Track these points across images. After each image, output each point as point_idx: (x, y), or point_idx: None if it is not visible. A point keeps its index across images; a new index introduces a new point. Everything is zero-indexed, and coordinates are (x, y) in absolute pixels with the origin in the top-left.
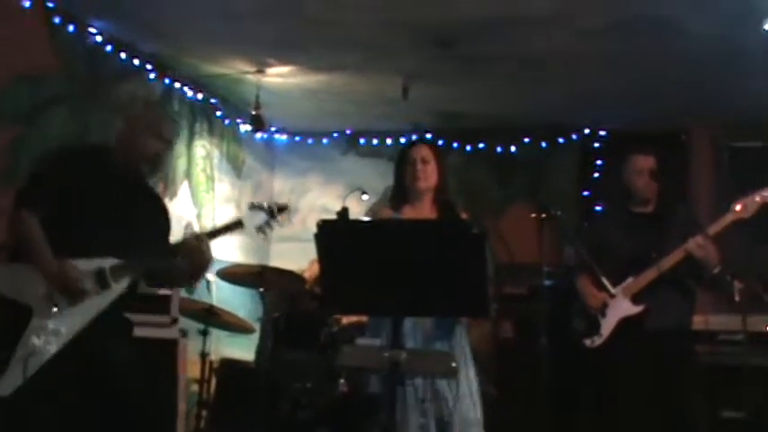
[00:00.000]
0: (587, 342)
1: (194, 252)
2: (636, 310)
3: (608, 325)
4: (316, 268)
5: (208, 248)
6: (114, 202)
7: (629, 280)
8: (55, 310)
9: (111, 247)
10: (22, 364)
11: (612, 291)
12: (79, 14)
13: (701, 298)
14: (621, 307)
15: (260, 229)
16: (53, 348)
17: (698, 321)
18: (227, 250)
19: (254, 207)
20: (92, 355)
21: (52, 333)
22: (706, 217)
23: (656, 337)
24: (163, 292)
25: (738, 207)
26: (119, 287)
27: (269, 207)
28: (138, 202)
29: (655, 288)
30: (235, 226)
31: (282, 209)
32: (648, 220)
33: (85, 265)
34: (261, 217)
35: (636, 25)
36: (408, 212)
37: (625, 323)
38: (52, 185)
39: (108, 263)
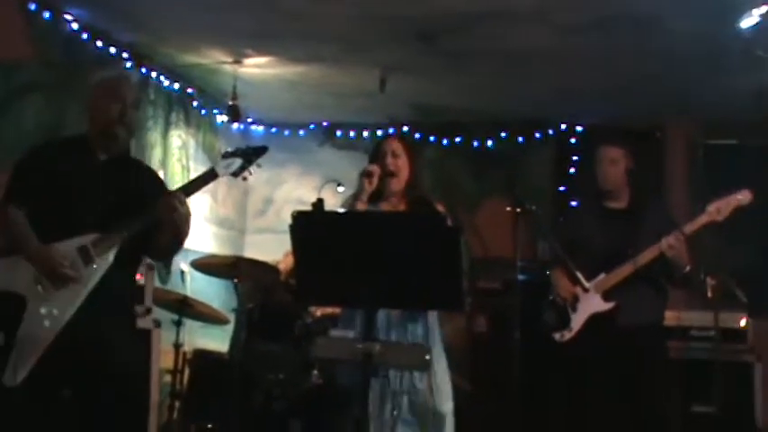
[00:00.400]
0: (557, 336)
1: (167, 208)
2: (606, 306)
3: (578, 320)
4: (290, 260)
5: (183, 203)
6: (96, 181)
7: (601, 276)
8: (41, 291)
9: (95, 225)
10: (23, 352)
11: (587, 285)
12: (55, 1)
13: (674, 294)
14: (592, 302)
15: (236, 174)
16: (51, 332)
17: (670, 317)
18: (202, 241)
19: (228, 155)
20: (84, 346)
21: (46, 316)
22: (680, 214)
23: (627, 333)
24: (138, 281)
25: (713, 209)
26: (104, 261)
27: (243, 151)
28: (121, 179)
29: (627, 285)
30: (208, 176)
31: (259, 150)
32: (622, 215)
33: (68, 246)
34: (236, 163)
35: (614, 22)
36: (382, 207)
37: (595, 319)
38: (34, 177)
39: (90, 238)
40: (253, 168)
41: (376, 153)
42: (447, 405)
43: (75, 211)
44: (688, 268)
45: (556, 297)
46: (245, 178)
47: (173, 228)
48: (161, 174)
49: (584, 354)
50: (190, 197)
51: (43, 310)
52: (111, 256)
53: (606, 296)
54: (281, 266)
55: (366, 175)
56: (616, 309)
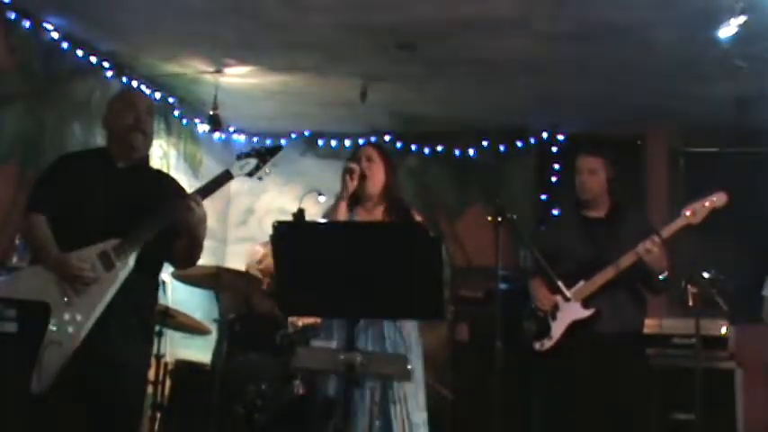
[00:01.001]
0: (537, 345)
1: (183, 210)
2: (586, 313)
3: (558, 328)
4: (269, 260)
5: (199, 205)
6: (113, 187)
7: (581, 284)
8: (64, 298)
9: (115, 231)
10: (49, 359)
11: (568, 294)
12: (35, 11)
13: (655, 302)
14: (572, 310)
15: (251, 174)
16: (77, 338)
17: (651, 325)
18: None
19: (242, 156)
20: (104, 355)
21: (70, 322)
22: (661, 222)
23: (607, 340)
24: None
25: (688, 212)
26: (125, 265)
27: (257, 151)
28: (141, 186)
29: (606, 292)
30: (223, 178)
31: (274, 150)
32: (601, 224)
33: (89, 252)
34: (251, 163)
35: (595, 31)
36: (359, 213)
37: (575, 326)
38: (54, 185)
39: (110, 244)
40: (268, 168)
41: (352, 159)
42: (418, 414)
43: (93, 217)
44: (666, 273)
45: (535, 306)
46: (260, 178)
47: (189, 229)
48: None
49: (564, 362)
50: (206, 199)
51: (67, 317)
52: (131, 261)
53: (586, 303)
54: (261, 267)
55: (348, 171)
56: (596, 315)
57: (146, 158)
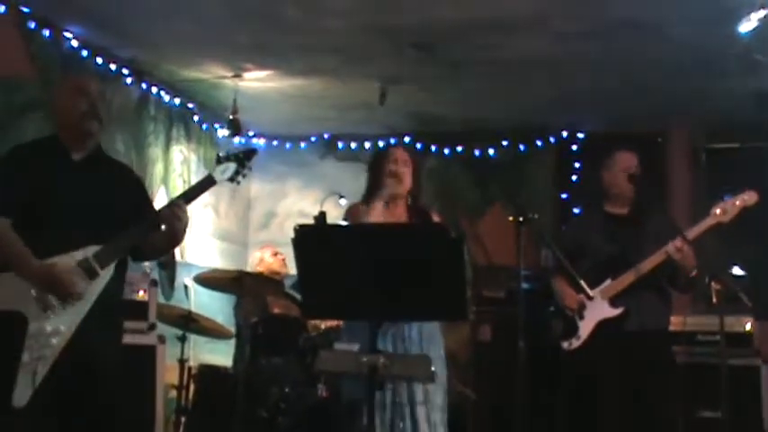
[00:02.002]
0: (565, 344)
1: (171, 218)
2: (614, 312)
3: (586, 327)
4: (270, 261)
5: (184, 212)
6: (78, 187)
7: (607, 282)
8: (43, 308)
9: (89, 235)
10: (31, 372)
11: (590, 293)
12: (54, 19)
13: (679, 299)
14: (600, 309)
15: (232, 179)
16: (57, 348)
17: (676, 322)
18: (205, 255)
19: (220, 161)
20: (83, 359)
21: (53, 334)
22: (683, 219)
23: (634, 338)
24: (140, 298)
25: (718, 211)
26: (107, 272)
27: (235, 155)
28: (102, 179)
29: (633, 290)
30: (207, 183)
31: (250, 153)
32: (625, 222)
33: (68, 260)
34: (231, 168)
35: (613, 29)
36: (382, 213)
37: (603, 325)
38: (15, 185)
39: (90, 251)
40: (246, 172)
41: (380, 158)
42: (438, 415)
43: (62, 221)
44: (694, 273)
45: (562, 306)
46: (238, 182)
47: (172, 236)
48: (162, 190)
49: (592, 361)
50: (189, 204)
51: (49, 328)
52: (112, 268)
53: (613, 302)
54: (260, 269)
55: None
56: (624, 314)
57: (99, 146)
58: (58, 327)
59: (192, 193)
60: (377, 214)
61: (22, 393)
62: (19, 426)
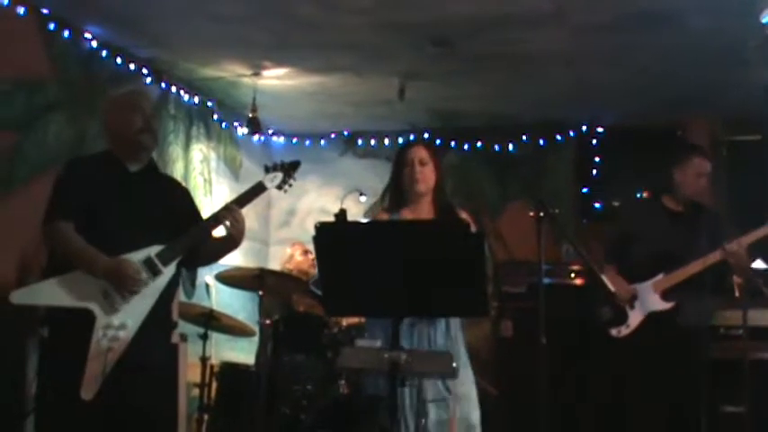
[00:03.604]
0: (613, 331)
1: (228, 221)
2: (666, 306)
3: (636, 317)
4: (299, 259)
5: (240, 216)
6: (136, 195)
7: (660, 276)
8: (109, 304)
9: (150, 237)
10: (101, 365)
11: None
12: (74, 20)
13: None
14: (651, 301)
15: (279, 186)
16: (125, 342)
17: None
18: None
19: (269, 170)
20: (140, 356)
21: (120, 328)
22: None
23: (683, 334)
24: None
25: None
26: (169, 271)
27: (282, 166)
28: (158, 188)
29: (685, 286)
30: (258, 189)
31: (295, 165)
32: (681, 218)
33: (133, 258)
34: (278, 177)
35: (633, 21)
36: (407, 215)
37: (653, 317)
38: (76, 193)
39: (153, 250)
40: (291, 182)
41: (401, 160)
42: (474, 414)
43: (122, 224)
44: (742, 277)
45: (615, 294)
46: (285, 191)
47: (231, 238)
48: None
49: (638, 350)
50: (242, 209)
51: (116, 322)
52: (173, 267)
53: (665, 295)
54: (290, 267)
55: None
56: (675, 308)
57: (153, 159)
58: (125, 321)
59: (244, 198)
60: (399, 215)
61: (89, 386)
62: (81, 418)
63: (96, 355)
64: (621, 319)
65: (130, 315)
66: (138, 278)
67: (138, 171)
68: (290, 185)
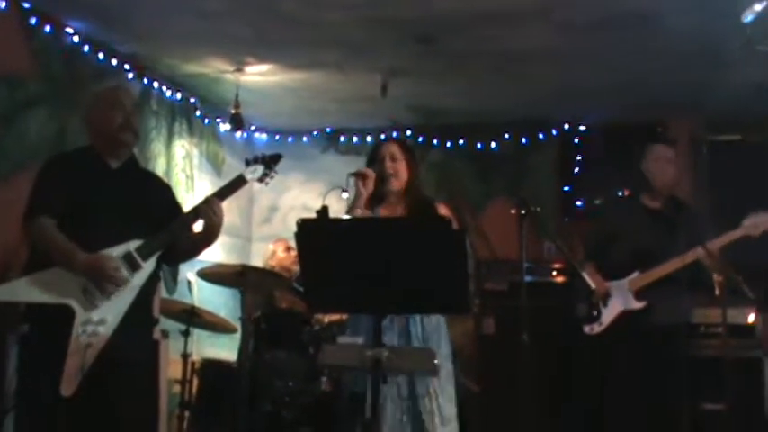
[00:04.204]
0: (586, 328)
1: (207, 215)
2: (638, 305)
3: (608, 315)
4: (281, 256)
5: (220, 209)
6: (117, 190)
7: (635, 274)
8: (89, 300)
9: (129, 232)
10: (80, 361)
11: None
12: (55, 15)
13: None
14: (624, 299)
15: (260, 179)
16: (104, 337)
17: None
18: (208, 250)
19: (249, 163)
20: (120, 351)
21: (99, 323)
22: None
23: (656, 332)
24: None
25: (749, 224)
26: (149, 265)
27: (263, 159)
28: (139, 184)
29: (658, 285)
30: (238, 182)
31: (276, 158)
32: (659, 216)
33: (112, 253)
34: (259, 170)
35: (615, 20)
36: (381, 212)
37: (624, 316)
38: (57, 189)
39: (132, 245)
40: (272, 174)
41: (374, 157)
42: (450, 408)
43: (103, 220)
44: (715, 277)
45: (589, 291)
46: (266, 183)
47: (209, 232)
48: None
49: (610, 348)
50: (222, 202)
51: (96, 318)
52: (153, 262)
53: (638, 295)
54: (272, 263)
55: (359, 176)
56: (647, 308)
57: (133, 156)
58: (104, 316)
59: (224, 191)
60: (376, 213)
61: (69, 382)
62: (61, 414)
63: (76, 350)
64: (595, 316)
65: (110, 311)
66: (118, 274)
67: (119, 167)
68: (272, 178)
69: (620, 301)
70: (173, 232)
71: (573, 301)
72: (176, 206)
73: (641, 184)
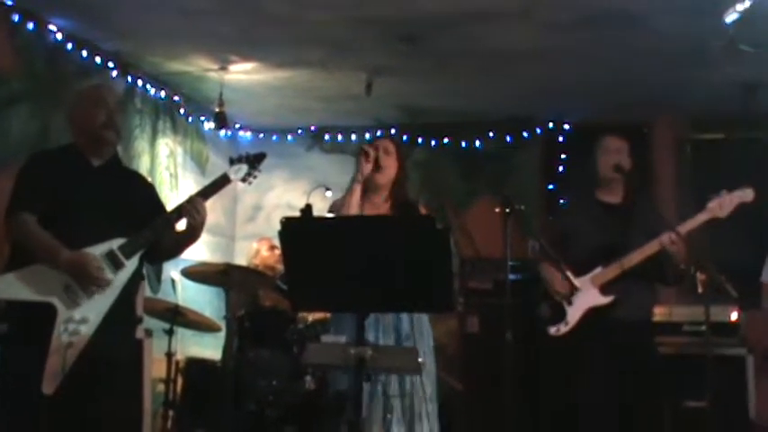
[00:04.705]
0: (552, 330)
1: (191, 213)
2: (605, 300)
3: (574, 313)
4: (265, 255)
5: (203, 208)
6: (99, 188)
7: (598, 270)
8: (71, 298)
9: (112, 230)
10: (61, 360)
11: (577, 284)
12: (38, 12)
13: (665, 290)
14: (590, 296)
15: (244, 179)
16: (86, 336)
17: (662, 313)
18: (192, 249)
19: (233, 162)
20: (104, 351)
21: (81, 322)
22: (669, 209)
23: (622, 327)
24: None
25: (714, 205)
26: (131, 264)
27: (247, 158)
28: (121, 182)
29: (623, 279)
30: (222, 181)
31: (260, 157)
32: (616, 210)
33: (95, 251)
34: (243, 169)
35: (599, 20)
36: (361, 203)
37: (592, 313)
38: (40, 185)
39: (115, 243)
40: (256, 173)
41: (362, 147)
42: (430, 405)
43: (85, 218)
44: (684, 266)
45: (551, 291)
46: (250, 183)
47: (192, 230)
48: None
49: (579, 347)
50: (206, 201)
51: (78, 316)
52: (136, 260)
53: (604, 290)
54: (256, 262)
55: (363, 153)
56: (614, 303)
57: (116, 154)
58: (86, 315)
59: (208, 190)
60: (354, 202)
61: (50, 381)
62: (44, 413)
63: (57, 349)
64: (561, 316)
65: (92, 309)
66: (100, 272)
67: (102, 165)
68: (255, 177)
69: (585, 298)
70: (156, 231)
71: (535, 302)
72: (159, 205)
73: (595, 179)
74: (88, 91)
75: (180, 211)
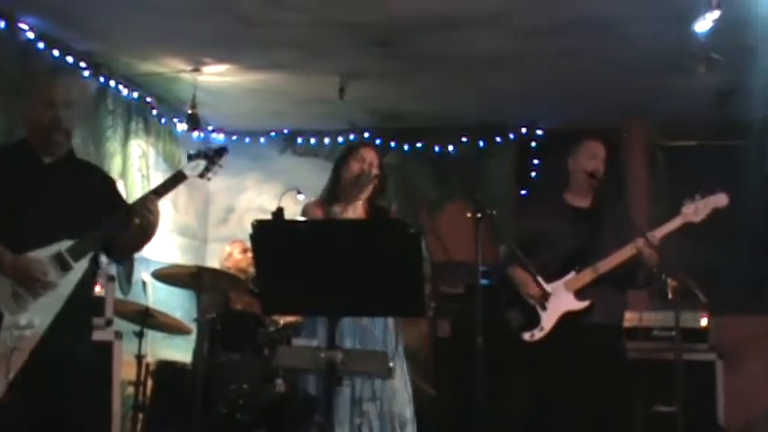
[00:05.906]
0: (527, 335)
1: (143, 212)
2: (581, 305)
3: (549, 318)
4: (237, 257)
5: (156, 207)
6: (49, 187)
7: (571, 274)
8: (17, 302)
9: (62, 231)
10: (5, 365)
11: (548, 289)
12: (10, 10)
13: (636, 294)
14: (565, 301)
15: (202, 175)
16: (33, 341)
17: (632, 318)
18: (164, 251)
19: (192, 157)
20: (55, 355)
21: (26, 327)
22: (641, 216)
23: (595, 332)
24: (97, 293)
25: (689, 210)
26: (81, 266)
27: (205, 153)
28: (73, 180)
29: (596, 284)
30: (177, 178)
31: (221, 151)
32: (587, 215)
33: (42, 254)
34: (201, 165)
35: (573, 26)
36: (338, 211)
37: (567, 318)
38: None
39: (64, 245)
40: (216, 169)
41: (353, 154)
42: (407, 409)
43: (34, 218)
44: (654, 270)
45: (524, 294)
46: (209, 179)
47: (145, 229)
48: (120, 183)
49: (554, 353)
50: (161, 199)
51: (23, 321)
52: (86, 262)
53: (578, 295)
54: (227, 264)
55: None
56: (590, 307)
57: (71, 150)
58: (32, 320)
59: (163, 188)
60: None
61: None
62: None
63: (3, 352)
64: (535, 322)
65: (38, 313)
66: (44, 276)
67: (53, 162)
68: (215, 173)
69: (560, 303)
70: (105, 231)
71: (502, 308)
72: (116, 201)
73: (566, 182)
74: (38, 90)
75: (131, 211)
